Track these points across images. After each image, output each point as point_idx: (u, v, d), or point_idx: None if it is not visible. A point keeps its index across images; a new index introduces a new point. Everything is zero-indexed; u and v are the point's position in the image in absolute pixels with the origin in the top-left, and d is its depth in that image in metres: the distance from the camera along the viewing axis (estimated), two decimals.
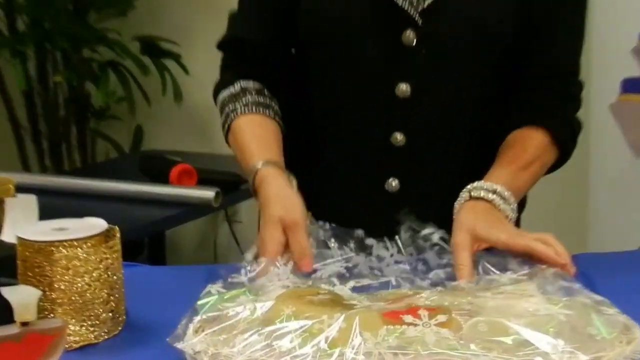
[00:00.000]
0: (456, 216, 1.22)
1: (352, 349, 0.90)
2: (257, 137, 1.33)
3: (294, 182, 1.27)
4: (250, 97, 1.36)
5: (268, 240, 1.17)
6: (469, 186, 1.24)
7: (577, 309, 0.97)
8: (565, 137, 1.35)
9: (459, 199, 1.24)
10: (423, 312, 0.94)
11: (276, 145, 1.33)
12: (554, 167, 1.37)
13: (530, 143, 1.33)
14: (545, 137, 1.33)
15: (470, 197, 1.23)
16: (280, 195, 1.22)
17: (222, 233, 3.43)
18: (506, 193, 1.24)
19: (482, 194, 1.22)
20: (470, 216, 1.20)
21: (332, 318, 0.94)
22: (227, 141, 1.39)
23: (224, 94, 1.39)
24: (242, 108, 1.35)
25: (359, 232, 1.20)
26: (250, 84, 1.38)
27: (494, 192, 1.23)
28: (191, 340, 0.98)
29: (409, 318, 0.93)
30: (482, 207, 1.22)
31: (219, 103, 1.40)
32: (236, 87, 1.38)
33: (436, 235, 1.20)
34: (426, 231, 1.20)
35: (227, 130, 1.37)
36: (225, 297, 1.06)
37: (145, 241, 3.20)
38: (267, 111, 1.36)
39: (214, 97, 1.43)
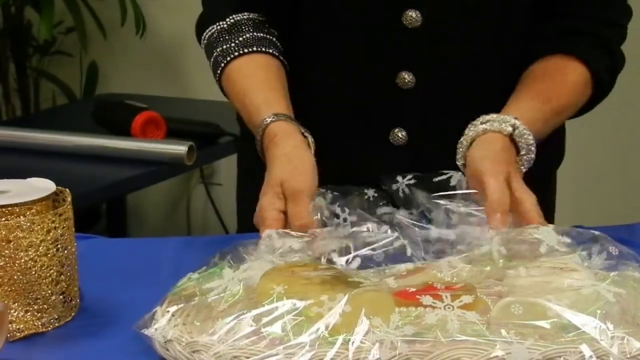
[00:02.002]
0: (477, 150, 1.24)
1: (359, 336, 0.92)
2: (262, 83, 1.35)
3: (310, 140, 1.29)
4: (248, 33, 1.37)
5: (266, 209, 1.19)
6: (505, 116, 1.26)
7: (629, 286, 0.99)
8: (604, 75, 1.37)
9: (478, 128, 1.26)
10: (444, 293, 0.96)
11: (284, 92, 1.34)
12: (583, 110, 1.39)
13: (566, 79, 1.35)
14: (583, 73, 1.35)
15: (511, 136, 1.25)
16: (289, 156, 1.24)
17: (196, 197, 3.45)
18: (533, 147, 1.26)
19: (503, 126, 1.25)
20: (508, 156, 1.24)
21: (334, 300, 0.96)
22: (221, 89, 1.40)
23: (213, 30, 1.39)
24: (239, 47, 1.36)
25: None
26: (245, 16, 1.39)
27: (527, 145, 1.26)
28: (162, 326, 1.00)
29: (427, 299, 0.95)
30: (508, 149, 1.25)
31: (206, 41, 1.41)
32: (228, 21, 1.38)
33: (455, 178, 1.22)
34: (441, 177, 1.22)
35: (219, 75, 1.38)
36: (201, 279, 1.07)
37: (102, 207, 3.22)
38: (269, 48, 1.37)
39: (197, 34, 1.44)
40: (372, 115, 1.38)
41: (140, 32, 3.13)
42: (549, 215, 1.50)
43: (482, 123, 1.27)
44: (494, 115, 1.27)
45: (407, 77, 1.36)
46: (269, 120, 1.28)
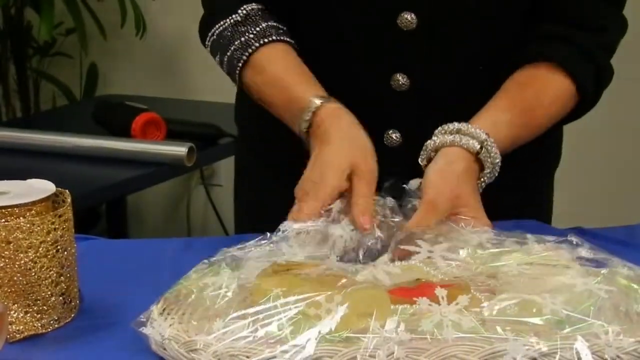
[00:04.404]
0: (441, 165, 1.24)
1: (357, 333, 0.93)
2: (294, 70, 1.35)
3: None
4: (264, 23, 1.38)
5: (323, 184, 1.20)
6: (476, 131, 1.25)
7: (619, 283, 1.00)
8: (588, 87, 1.35)
9: (445, 137, 1.26)
10: (440, 292, 0.96)
11: (315, 78, 1.35)
12: (566, 120, 1.38)
13: (546, 89, 1.33)
14: (565, 83, 1.33)
15: (477, 154, 1.25)
16: (354, 137, 1.25)
17: (196, 198, 3.45)
18: (498, 167, 1.26)
19: (471, 143, 1.25)
20: (468, 180, 1.24)
21: (331, 302, 0.97)
22: (239, 81, 1.39)
23: (225, 24, 1.39)
24: (258, 37, 1.36)
25: None
26: (255, 7, 1.39)
27: (493, 164, 1.26)
28: (158, 325, 1.00)
29: (424, 301, 0.96)
30: (471, 169, 1.25)
31: (215, 37, 1.40)
32: (240, 12, 1.38)
33: None
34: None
35: (241, 67, 1.37)
36: (198, 277, 1.08)
37: (102, 208, 3.22)
38: (286, 36, 1.38)
39: (201, 32, 1.44)
40: (367, 116, 1.38)
41: (140, 33, 3.14)
42: (546, 218, 1.51)
43: (451, 133, 1.26)
44: (465, 127, 1.26)
45: (401, 79, 1.37)
46: (313, 107, 1.28)
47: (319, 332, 0.93)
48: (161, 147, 2.30)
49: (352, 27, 1.37)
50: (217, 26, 1.40)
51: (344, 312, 0.95)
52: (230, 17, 1.39)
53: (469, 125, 1.26)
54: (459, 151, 1.25)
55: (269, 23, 1.38)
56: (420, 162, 1.27)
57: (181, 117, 2.49)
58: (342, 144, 1.25)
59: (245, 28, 1.38)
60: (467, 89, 1.38)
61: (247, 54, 1.36)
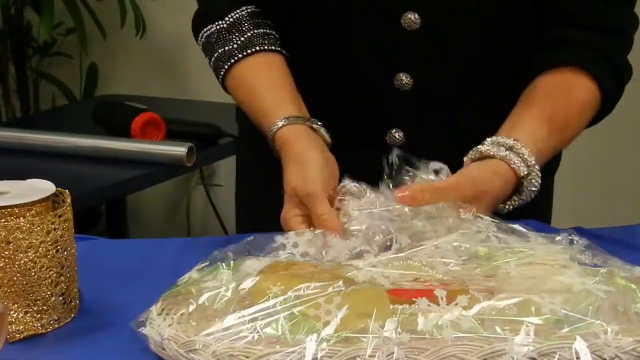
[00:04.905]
0: (478, 166, 1.24)
1: (356, 333, 0.93)
2: (268, 85, 1.36)
3: (323, 132, 1.31)
4: (249, 32, 1.38)
5: (287, 219, 1.22)
6: (528, 156, 1.25)
7: (617, 283, 1.01)
8: (612, 89, 1.35)
9: (491, 146, 1.26)
10: (439, 292, 0.97)
11: (291, 87, 1.36)
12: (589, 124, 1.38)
13: (576, 98, 1.33)
14: (591, 90, 1.33)
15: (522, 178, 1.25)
16: (298, 161, 1.26)
17: (196, 198, 3.46)
18: (535, 189, 1.26)
19: (521, 167, 1.24)
20: (496, 195, 1.23)
21: (331, 302, 0.97)
22: (225, 88, 1.41)
23: (212, 29, 1.40)
24: (241, 49, 1.37)
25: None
26: (243, 12, 1.40)
27: (530, 191, 1.26)
28: (157, 325, 1.01)
29: (423, 302, 0.96)
30: (506, 191, 1.24)
31: (204, 40, 1.42)
32: (227, 20, 1.39)
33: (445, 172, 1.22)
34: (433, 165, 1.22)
35: (223, 77, 1.39)
36: (198, 278, 1.08)
37: (102, 208, 3.23)
38: (271, 45, 1.38)
39: (194, 31, 1.45)
40: (370, 116, 1.39)
41: (140, 33, 3.14)
42: (546, 218, 1.51)
43: (504, 147, 1.25)
44: (518, 146, 1.25)
45: (404, 78, 1.37)
46: (274, 128, 1.30)
47: (318, 334, 0.94)
48: (161, 147, 2.30)
49: (355, 27, 1.38)
50: (205, 29, 1.42)
51: (343, 313, 0.95)
52: (216, 23, 1.40)
53: (521, 145, 1.25)
54: (508, 170, 1.24)
55: (255, 31, 1.38)
56: (465, 158, 1.27)
57: (181, 117, 2.49)
58: (290, 171, 1.26)
59: (230, 36, 1.39)
60: (469, 89, 1.39)
61: (228, 64, 1.38)
